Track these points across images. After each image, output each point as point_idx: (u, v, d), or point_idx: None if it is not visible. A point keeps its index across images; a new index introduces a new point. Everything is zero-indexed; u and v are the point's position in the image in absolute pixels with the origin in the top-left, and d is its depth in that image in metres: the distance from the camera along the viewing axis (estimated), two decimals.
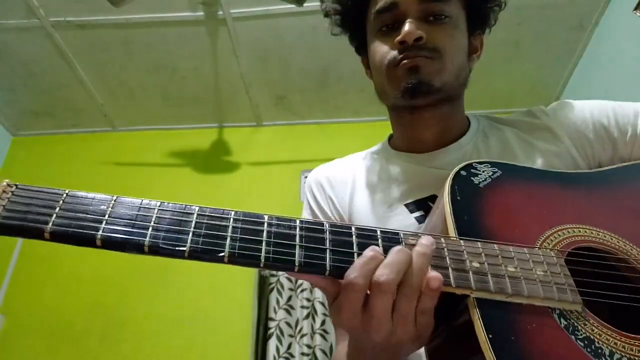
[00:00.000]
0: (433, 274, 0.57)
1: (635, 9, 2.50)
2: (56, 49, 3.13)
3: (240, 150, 3.73)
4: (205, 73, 3.36)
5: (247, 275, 3.11)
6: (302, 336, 2.86)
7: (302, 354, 2.80)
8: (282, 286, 3.04)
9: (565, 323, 0.59)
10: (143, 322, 3.05)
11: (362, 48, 1.08)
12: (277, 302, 2.99)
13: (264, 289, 3.10)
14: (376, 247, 0.58)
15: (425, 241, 0.60)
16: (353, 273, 0.56)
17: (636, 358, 0.58)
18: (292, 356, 2.83)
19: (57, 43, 3.08)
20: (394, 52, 0.92)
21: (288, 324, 2.92)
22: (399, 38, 0.89)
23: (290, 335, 2.89)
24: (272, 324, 2.92)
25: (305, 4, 2.50)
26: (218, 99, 3.59)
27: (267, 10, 2.92)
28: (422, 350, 0.85)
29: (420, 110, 0.96)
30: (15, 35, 3.04)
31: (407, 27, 0.89)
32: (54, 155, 3.74)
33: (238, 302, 3.07)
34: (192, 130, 3.83)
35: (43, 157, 3.72)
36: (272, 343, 2.85)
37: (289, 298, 3.01)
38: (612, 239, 0.71)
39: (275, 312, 2.95)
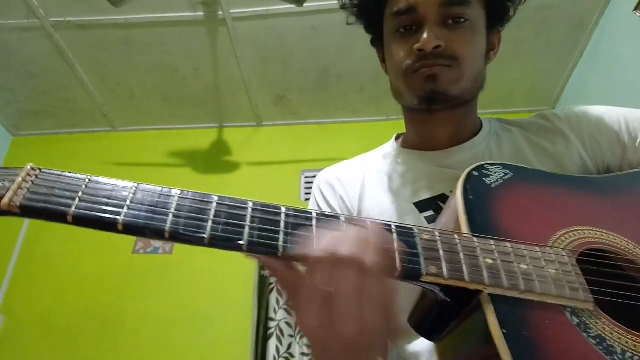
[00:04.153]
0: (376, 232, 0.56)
1: (635, 9, 2.51)
2: (56, 49, 3.13)
3: (240, 150, 3.73)
4: (205, 73, 3.36)
5: (247, 275, 3.11)
6: (302, 336, 2.86)
7: (302, 354, 2.81)
8: None
9: (577, 321, 0.59)
10: (143, 322, 3.05)
11: (377, 41, 1.06)
12: (277, 302, 2.99)
13: (264, 289, 3.10)
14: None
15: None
16: (317, 249, 0.55)
17: None
18: (292, 356, 2.83)
19: (57, 43, 3.08)
20: (412, 59, 0.91)
21: (288, 324, 2.92)
22: (417, 45, 0.88)
23: (290, 335, 2.89)
24: (272, 324, 2.92)
25: (305, 4, 2.51)
26: (218, 99, 3.59)
27: (267, 10, 2.92)
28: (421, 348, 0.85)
29: (436, 111, 0.96)
30: (15, 35, 3.04)
31: (426, 35, 0.88)
32: (54, 155, 3.73)
33: (238, 302, 3.06)
34: (192, 130, 3.83)
35: (43, 157, 3.70)
36: (272, 343, 2.86)
37: None
38: (621, 242, 0.71)
39: (275, 312, 2.95)
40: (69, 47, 3.13)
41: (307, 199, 3.32)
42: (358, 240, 0.56)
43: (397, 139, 1.12)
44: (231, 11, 2.92)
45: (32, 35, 3.04)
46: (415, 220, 0.92)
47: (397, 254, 0.58)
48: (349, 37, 2.94)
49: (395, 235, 0.60)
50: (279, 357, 2.82)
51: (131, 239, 3.28)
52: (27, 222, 3.35)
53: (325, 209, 1.04)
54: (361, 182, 1.04)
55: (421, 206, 0.93)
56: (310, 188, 3.12)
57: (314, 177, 1.13)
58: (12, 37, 3.05)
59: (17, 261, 3.30)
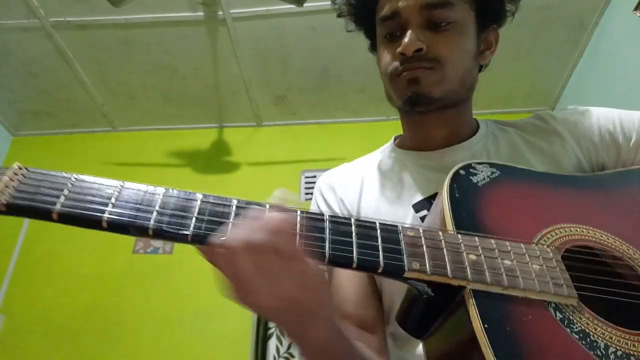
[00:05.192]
0: (271, 213, 0.57)
1: (635, 9, 2.51)
2: (56, 49, 3.14)
3: (240, 150, 3.73)
4: (205, 73, 3.36)
5: None
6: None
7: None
8: None
9: (561, 316, 0.59)
10: (143, 322, 3.05)
11: (374, 46, 1.08)
12: None
13: None
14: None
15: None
16: (231, 237, 0.56)
17: (630, 351, 0.59)
18: (292, 356, 2.83)
19: (57, 43, 3.09)
20: (396, 63, 0.92)
21: None
22: (399, 49, 0.90)
23: None
24: (272, 324, 2.92)
25: (305, 4, 2.51)
26: (218, 99, 3.60)
27: (267, 10, 2.92)
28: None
29: (427, 113, 0.97)
30: (15, 35, 3.05)
31: (406, 38, 0.89)
32: (54, 155, 3.74)
33: None
34: (192, 130, 3.83)
35: (43, 157, 3.72)
36: (272, 343, 2.85)
37: None
38: (608, 239, 0.72)
39: None
40: (69, 47, 3.14)
41: (307, 199, 3.31)
42: (272, 227, 0.56)
43: (395, 140, 1.13)
44: (231, 11, 2.93)
45: (32, 35, 3.04)
46: (411, 220, 0.93)
47: (300, 238, 0.58)
48: (349, 37, 2.87)
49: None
50: (279, 357, 2.81)
51: (131, 238, 3.29)
52: (27, 221, 3.36)
53: (326, 211, 1.04)
54: (360, 184, 1.05)
55: (417, 207, 0.94)
56: (310, 188, 3.08)
57: (314, 177, 1.15)
58: (12, 37, 3.05)
59: (17, 261, 3.31)
